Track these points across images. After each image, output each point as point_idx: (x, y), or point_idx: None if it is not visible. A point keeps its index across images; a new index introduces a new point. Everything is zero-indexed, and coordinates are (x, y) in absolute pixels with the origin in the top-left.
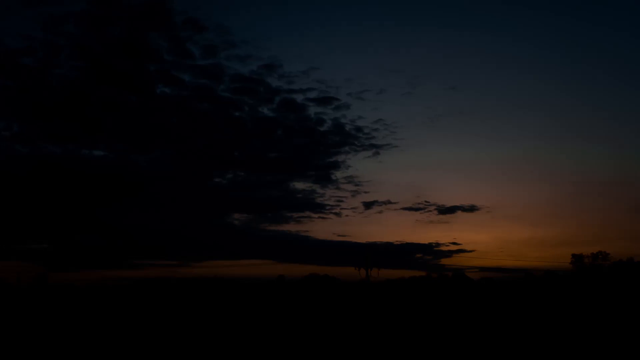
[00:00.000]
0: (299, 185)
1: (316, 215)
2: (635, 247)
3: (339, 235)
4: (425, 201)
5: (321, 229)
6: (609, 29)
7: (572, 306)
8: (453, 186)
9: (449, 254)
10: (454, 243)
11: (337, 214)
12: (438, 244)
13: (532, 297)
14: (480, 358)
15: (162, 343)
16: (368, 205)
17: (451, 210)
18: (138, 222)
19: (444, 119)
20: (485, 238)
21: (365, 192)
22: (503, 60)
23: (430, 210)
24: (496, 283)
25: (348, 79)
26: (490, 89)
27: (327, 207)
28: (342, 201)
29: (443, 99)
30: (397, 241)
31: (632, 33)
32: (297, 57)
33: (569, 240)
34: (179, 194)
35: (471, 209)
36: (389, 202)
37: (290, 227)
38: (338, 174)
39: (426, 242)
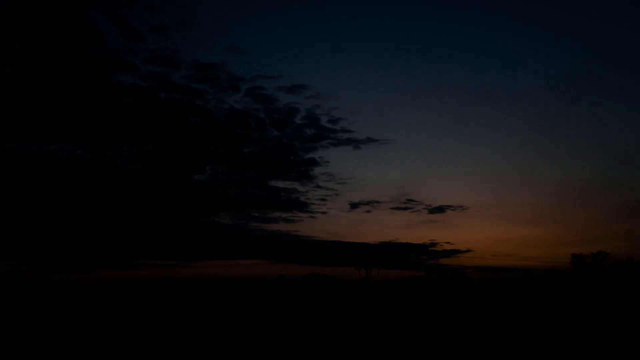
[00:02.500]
0: (280, 183)
1: (305, 215)
2: (623, 246)
3: (333, 235)
4: (409, 200)
5: (312, 228)
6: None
7: (572, 306)
8: (438, 185)
9: (446, 254)
10: (449, 242)
11: (325, 213)
12: (433, 244)
13: (532, 297)
14: (481, 358)
15: (161, 343)
16: (355, 204)
17: (441, 209)
18: (129, 221)
19: (426, 114)
20: (480, 237)
21: (349, 191)
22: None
23: (419, 210)
24: (496, 283)
25: (321, 66)
26: (473, 83)
27: (313, 207)
28: (326, 200)
29: (425, 93)
30: (391, 241)
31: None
32: (262, 40)
33: (563, 240)
34: (163, 191)
35: (461, 208)
36: (376, 202)
37: (281, 227)
38: (317, 171)
39: (420, 241)
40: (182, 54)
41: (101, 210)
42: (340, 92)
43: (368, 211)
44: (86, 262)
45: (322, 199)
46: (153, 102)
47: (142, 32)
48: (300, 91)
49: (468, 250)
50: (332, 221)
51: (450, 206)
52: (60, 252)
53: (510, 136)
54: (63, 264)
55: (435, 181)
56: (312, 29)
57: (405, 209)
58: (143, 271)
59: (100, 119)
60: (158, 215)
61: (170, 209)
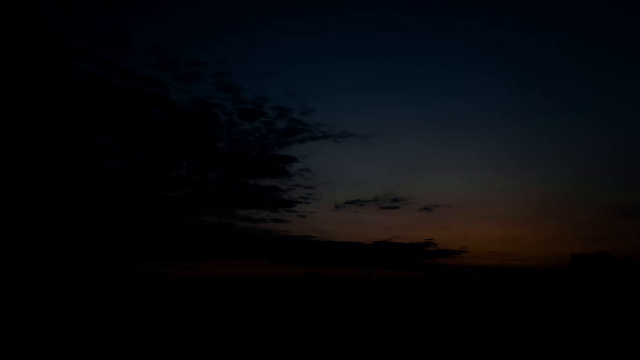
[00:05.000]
0: (259, 181)
1: (294, 215)
2: (623, 246)
3: (325, 235)
4: (395, 199)
5: (302, 228)
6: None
7: (572, 306)
8: (424, 183)
9: (442, 253)
10: (442, 242)
11: (313, 213)
12: (428, 243)
13: (532, 297)
14: (482, 358)
15: (160, 344)
16: (341, 204)
17: (430, 209)
18: (123, 221)
19: (410, 110)
20: (473, 237)
21: (333, 190)
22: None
23: (408, 210)
24: (495, 283)
25: (293, 52)
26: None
27: (300, 206)
28: (310, 199)
29: (407, 87)
30: (384, 240)
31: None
32: (224, 22)
33: (560, 240)
34: (148, 190)
35: (450, 207)
36: (363, 201)
37: (271, 227)
38: (297, 168)
39: (414, 241)
40: (135, 36)
41: (92, 210)
42: (313, 82)
43: (356, 211)
44: (76, 263)
45: (306, 197)
46: (108, 92)
47: (86, 13)
48: (269, 79)
49: (463, 251)
50: (321, 221)
51: (439, 205)
52: (51, 252)
53: (500, 134)
54: (53, 264)
55: (421, 179)
56: (279, 13)
57: (393, 208)
58: (137, 271)
59: (57, 110)
60: (147, 215)
61: (158, 208)
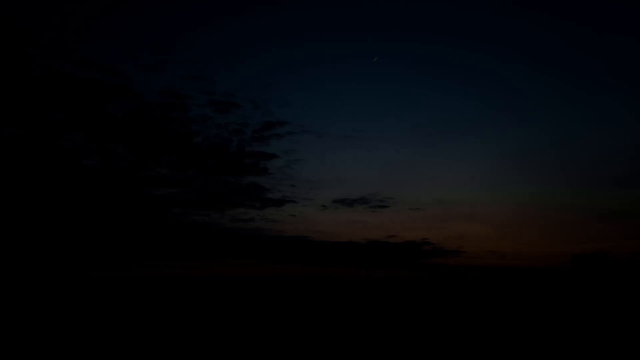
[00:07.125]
0: (243, 179)
1: (284, 214)
2: (610, 247)
3: (320, 235)
4: (383, 198)
5: (294, 228)
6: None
7: (572, 306)
8: (414, 182)
9: (440, 253)
10: (438, 242)
11: (302, 212)
12: (424, 243)
13: (532, 297)
14: (482, 358)
15: (157, 344)
16: (330, 203)
17: (421, 208)
18: (119, 221)
19: (397, 108)
20: (470, 236)
21: (319, 188)
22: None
23: (399, 210)
24: (494, 283)
25: (270, 40)
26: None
27: (289, 205)
28: (296, 198)
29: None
30: (378, 240)
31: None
32: (193, 6)
33: (559, 239)
34: (130, 187)
35: (442, 206)
36: (351, 200)
37: (262, 226)
38: (277, 165)
39: (409, 240)
40: (91, 21)
41: (85, 210)
42: (293, 75)
43: (344, 210)
44: (71, 263)
45: (290, 196)
46: (69, 84)
47: None
48: (240, 68)
49: (461, 250)
50: (312, 220)
51: (431, 205)
52: (47, 252)
53: (495, 133)
54: (46, 263)
55: (409, 178)
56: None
57: (383, 207)
58: (135, 271)
59: (31, 107)
60: (139, 214)
61: (149, 208)
